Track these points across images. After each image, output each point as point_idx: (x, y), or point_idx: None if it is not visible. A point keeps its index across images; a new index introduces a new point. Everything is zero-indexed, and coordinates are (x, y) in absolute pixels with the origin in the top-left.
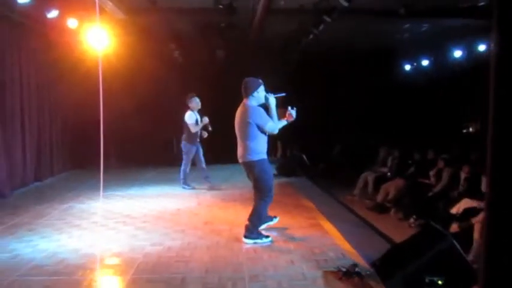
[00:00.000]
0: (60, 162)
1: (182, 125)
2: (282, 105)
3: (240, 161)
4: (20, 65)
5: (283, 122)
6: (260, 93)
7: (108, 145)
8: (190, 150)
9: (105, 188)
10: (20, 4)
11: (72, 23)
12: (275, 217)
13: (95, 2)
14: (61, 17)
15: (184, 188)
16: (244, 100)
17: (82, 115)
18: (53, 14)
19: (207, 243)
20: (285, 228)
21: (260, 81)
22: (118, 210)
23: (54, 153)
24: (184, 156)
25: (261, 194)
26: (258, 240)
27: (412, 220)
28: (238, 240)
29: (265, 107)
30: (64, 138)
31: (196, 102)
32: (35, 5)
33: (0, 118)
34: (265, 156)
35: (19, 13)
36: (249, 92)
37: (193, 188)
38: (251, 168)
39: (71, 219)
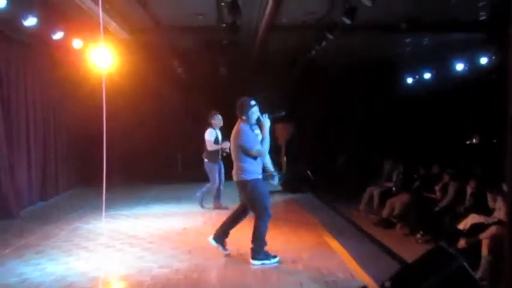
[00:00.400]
0: (65, 180)
1: (203, 143)
2: (277, 122)
3: (234, 179)
4: (26, 84)
5: (265, 141)
6: (251, 116)
7: (112, 162)
8: (213, 169)
9: (110, 206)
10: (26, 26)
11: (77, 43)
12: (226, 250)
13: (99, 23)
14: (66, 37)
15: (203, 207)
16: (238, 121)
17: (86, 133)
18: (58, 35)
19: (215, 265)
20: (292, 247)
21: (252, 103)
22: (124, 231)
23: (59, 171)
24: (209, 176)
25: (258, 214)
26: (266, 261)
27: (419, 236)
28: (245, 261)
29: (260, 127)
30: (69, 156)
31: (218, 120)
32: (41, 27)
33: (7, 137)
34: (259, 176)
35: (25, 34)
36: (241, 113)
37: (203, 207)
38: (243, 188)
39: (78, 240)
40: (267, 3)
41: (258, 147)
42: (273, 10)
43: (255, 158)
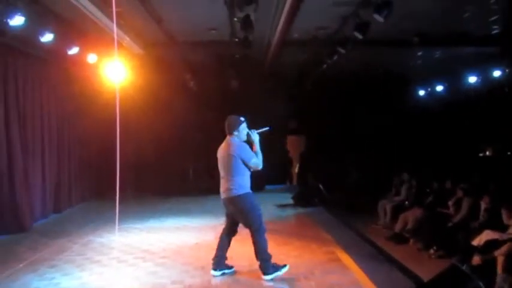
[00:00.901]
0: (78, 193)
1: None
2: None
3: (224, 196)
4: (42, 97)
5: (259, 155)
6: (242, 131)
7: (125, 175)
8: None
9: (123, 220)
10: (43, 42)
11: (91, 58)
12: (232, 267)
13: (114, 38)
14: (81, 52)
15: None
16: (228, 137)
17: (100, 146)
18: (73, 50)
19: (228, 281)
20: (305, 263)
21: (242, 119)
22: (137, 245)
23: (73, 184)
24: None
25: (254, 228)
26: (278, 273)
27: (432, 251)
28: (258, 277)
29: (249, 143)
30: (82, 169)
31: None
32: (57, 42)
33: (22, 149)
34: (249, 190)
35: (42, 50)
36: (231, 130)
37: None
38: (236, 203)
39: (91, 254)
40: (279, 19)
41: (255, 158)
42: (285, 26)
43: (248, 171)
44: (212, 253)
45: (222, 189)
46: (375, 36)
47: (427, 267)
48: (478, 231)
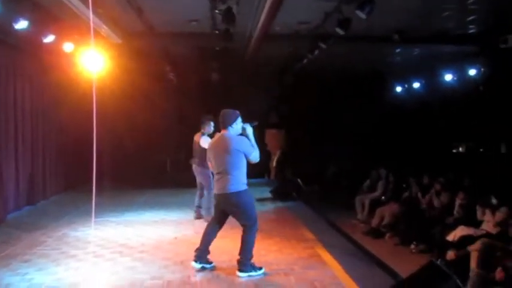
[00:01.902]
0: (53, 185)
1: (194, 148)
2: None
3: (221, 192)
4: (15, 87)
5: (256, 150)
6: (238, 125)
7: (102, 166)
8: (207, 175)
9: (100, 212)
10: (17, 29)
11: (68, 47)
12: (211, 263)
13: (91, 27)
14: (57, 41)
15: (206, 218)
16: (223, 131)
17: (76, 137)
18: (49, 38)
19: (208, 277)
20: (285, 259)
21: (237, 112)
22: (114, 239)
23: (48, 175)
24: (204, 183)
25: (248, 224)
26: (252, 273)
27: (413, 246)
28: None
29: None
30: (58, 160)
31: (211, 126)
32: (32, 30)
33: None
34: (246, 186)
35: (15, 37)
36: (228, 124)
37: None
38: (236, 199)
39: (67, 248)
40: (262, 12)
41: (255, 152)
42: (267, 20)
43: (245, 166)
44: (192, 247)
45: (218, 185)
46: (355, 32)
47: (404, 263)
48: (453, 227)
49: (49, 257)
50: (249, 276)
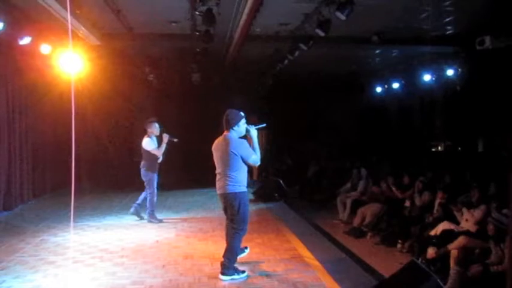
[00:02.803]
0: (31, 189)
1: (140, 152)
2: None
3: (220, 192)
4: None
5: (257, 151)
6: (242, 126)
7: (81, 169)
8: (153, 178)
9: (79, 217)
10: None
11: (45, 48)
12: (246, 248)
13: (68, 28)
14: (34, 42)
15: (151, 221)
16: (225, 132)
17: (55, 139)
18: (25, 40)
19: (189, 281)
20: (267, 261)
21: (242, 114)
22: (94, 244)
23: (25, 179)
24: (147, 187)
25: (236, 227)
26: (235, 276)
27: (399, 246)
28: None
29: (247, 138)
30: (36, 163)
31: (156, 128)
32: (7, 32)
33: None
34: (246, 188)
35: None
36: (231, 125)
37: (161, 222)
38: (232, 200)
39: (45, 254)
40: (242, 13)
41: (254, 155)
42: (248, 21)
43: (246, 167)
44: (173, 252)
45: (218, 185)
46: (335, 34)
47: (386, 262)
48: (433, 226)
49: (27, 263)
50: (232, 279)
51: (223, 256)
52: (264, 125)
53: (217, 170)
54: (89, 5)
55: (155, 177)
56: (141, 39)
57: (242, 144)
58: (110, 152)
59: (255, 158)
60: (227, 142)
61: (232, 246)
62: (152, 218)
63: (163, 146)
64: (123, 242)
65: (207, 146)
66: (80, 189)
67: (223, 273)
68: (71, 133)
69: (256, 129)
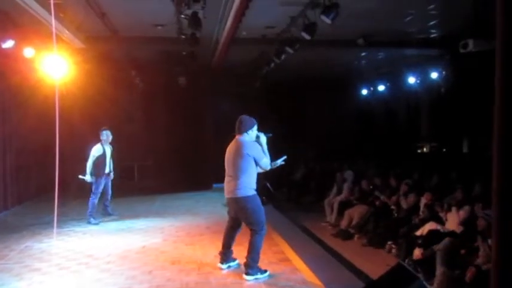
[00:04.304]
0: (15, 195)
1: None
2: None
3: (230, 196)
4: None
5: (267, 157)
6: (253, 132)
7: (65, 174)
8: (97, 182)
9: (64, 223)
10: None
11: (28, 52)
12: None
13: (52, 32)
14: (17, 46)
15: (89, 222)
16: (238, 136)
17: (39, 144)
18: (8, 44)
19: (176, 286)
20: None
21: (254, 120)
22: (80, 249)
23: (9, 185)
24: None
25: (256, 228)
26: (259, 275)
27: (387, 247)
28: (207, 281)
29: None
30: (19, 169)
31: (106, 135)
32: None
33: None
34: (255, 191)
35: None
36: (244, 130)
37: (98, 223)
38: (243, 204)
39: (30, 261)
40: (228, 17)
41: (266, 159)
42: (234, 24)
43: (256, 172)
44: (160, 257)
45: (228, 189)
46: (321, 37)
47: (373, 263)
48: (419, 227)
49: (11, 271)
50: (256, 279)
51: (247, 256)
52: (270, 135)
53: (228, 173)
54: (73, 8)
55: (100, 181)
56: (127, 42)
57: (255, 146)
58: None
59: (266, 161)
60: (240, 144)
61: (254, 246)
62: (90, 220)
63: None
64: (109, 248)
65: (193, 148)
66: (65, 195)
67: (247, 273)
68: (55, 137)
69: (266, 136)
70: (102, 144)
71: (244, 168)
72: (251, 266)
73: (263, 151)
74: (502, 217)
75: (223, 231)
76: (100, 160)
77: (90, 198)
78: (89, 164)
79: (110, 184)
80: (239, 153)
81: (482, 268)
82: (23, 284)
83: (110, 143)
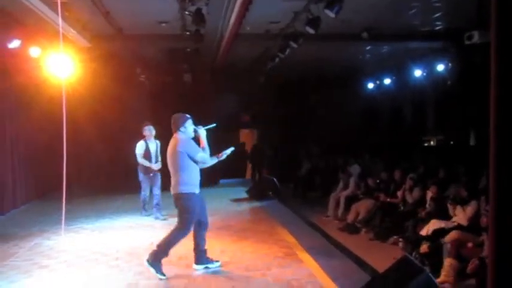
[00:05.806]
0: (24, 193)
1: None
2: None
3: (172, 192)
4: None
5: (214, 160)
6: (188, 128)
7: (73, 172)
8: (142, 179)
9: (72, 219)
10: None
11: (34, 51)
12: (216, 261)
13: (58, 31)
14: (23, 45)
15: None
16: (174, 134)
17: (46, 143)
18: (14, 44)
19: (184, 282)
20: (261, 259)
21: (187, 116)
22: (88, 246)
23: (18, 183)
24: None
25: (180, 226)
26: (155, 268)
27: (393, 240)
28: (216, 276)
29: (197, 139)
30: (27, 167)
31: (149, 131)
32: None
33: None
34: (196, 190)
35: None
36: (177, 127)
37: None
38: (178, 200)
39: (39, 259)
40: (232, 12)
41: (201, 153)
42: (238, 20)
43: (197, 168)
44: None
45: (171, 185)
46: (325, 31)
47: (380, 258)
48: (426, 220)
49: (20, 268)
50: (151, 267)
51: (158, 244)
52: (214, 125)
53: (170, 171)
54: (78, 7)
55: (144, 178)
56: (132, 40)
57: (188, 142)
58: (101, 155)
59: (203, 156)
60: (174, 142)
61: (169, 240)
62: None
63: (147, 164)
64: (117, 245)
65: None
66: (72, 193)
67: (147, 260)
68: (62, 136)
69: (205, 129)
70: (145, 140)
71: (181, 165)
72: (154, 254)
73: (203, 145)
74: (498, 213)
75: (229, 225)
76: (144, 156)
77: (140, 194)
78: (142, 161)
79: (156, 180)
80: (173, 151)
81: (486, 261)
82: (32, 281)
83: (155, 138)
